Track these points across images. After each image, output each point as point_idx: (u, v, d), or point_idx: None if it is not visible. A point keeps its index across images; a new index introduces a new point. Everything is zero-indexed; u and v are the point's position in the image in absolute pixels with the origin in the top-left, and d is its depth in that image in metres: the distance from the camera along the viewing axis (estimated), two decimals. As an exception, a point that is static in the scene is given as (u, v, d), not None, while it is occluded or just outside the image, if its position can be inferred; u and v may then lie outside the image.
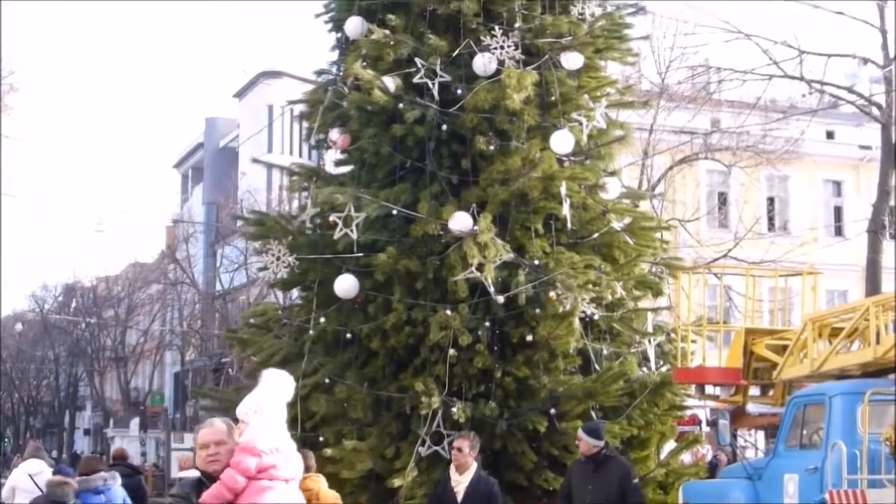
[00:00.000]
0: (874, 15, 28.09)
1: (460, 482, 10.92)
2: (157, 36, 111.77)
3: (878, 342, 13.10)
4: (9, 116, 38.14)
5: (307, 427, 13.33)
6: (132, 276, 64.22)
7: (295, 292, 16.59)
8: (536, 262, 13.31)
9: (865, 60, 29.46)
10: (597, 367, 13.86)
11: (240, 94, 56.82)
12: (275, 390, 6.23)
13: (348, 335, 13.68)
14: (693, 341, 15.65)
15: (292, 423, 12.77)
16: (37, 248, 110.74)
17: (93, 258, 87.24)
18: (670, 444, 15.57)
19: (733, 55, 30.04)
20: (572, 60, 13.85)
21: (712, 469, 20.40)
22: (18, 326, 73.13)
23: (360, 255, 13.43)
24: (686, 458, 17.44)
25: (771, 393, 15.74)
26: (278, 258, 13.90)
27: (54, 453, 67.27)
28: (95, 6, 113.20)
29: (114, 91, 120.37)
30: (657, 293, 15.27)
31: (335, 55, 15.01)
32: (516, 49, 13.53)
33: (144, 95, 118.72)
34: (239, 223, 36.44)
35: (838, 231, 45.17)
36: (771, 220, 42.51)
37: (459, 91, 13.55)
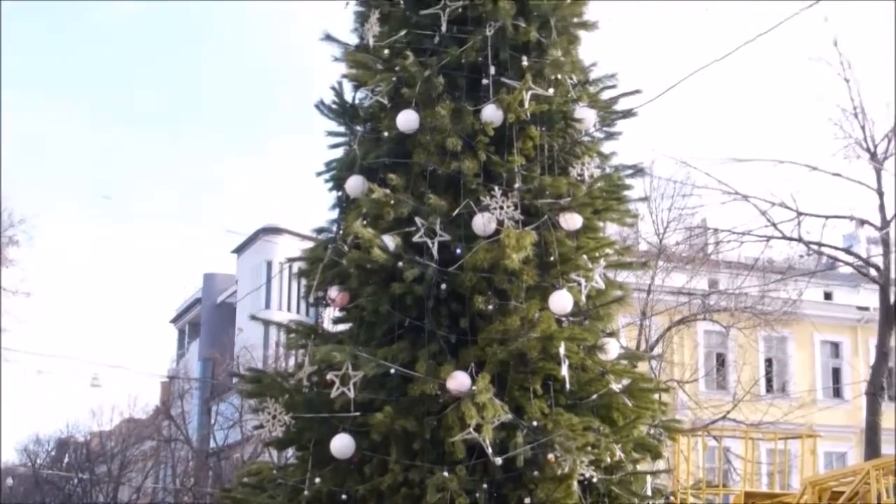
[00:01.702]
0: (871, 177, 28.38)
1: None
2: (157, 189, 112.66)
3: (880, 507, 12.98)
4: (7, 269, 38.31)
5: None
6: (126, 431, 63.86)
7: (290, 451, 16.42)
8: (535, 423, 13.18)
9: (863, 222, 29.68)
10: (596, 530, 13.65)
11: (239, 251, 57.12)
12: None
13: (344, 496, 13.48)
14: (693, 504, 15.51)
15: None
16: (31, 401, 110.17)
17: (87, 413, 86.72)
18: None
19: (731, 216, 30.32)
20: (571, 221, 13.88)
21: None
22: (9, 481, 72.49)
23: (357, 414, 13.31)
24: None
25: (772, 558, 15.55)
26: (274, 416, 13.77)
27: None
28: (94, 158, 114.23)
29: (112, 246, 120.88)
30: (656, 456, 15.11)
31: (335, 213, 15.07)
32: (516, 209, 13.57)
33: (143, 250, 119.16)
34: (235, 380, 36.34)
35: (837, 393, 45.12)
36: (769, 381, 42.49)
37: (459, 250, 13.55)
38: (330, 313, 15.31)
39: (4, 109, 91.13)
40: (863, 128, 28.58)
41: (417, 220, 13.55)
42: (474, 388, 12.78)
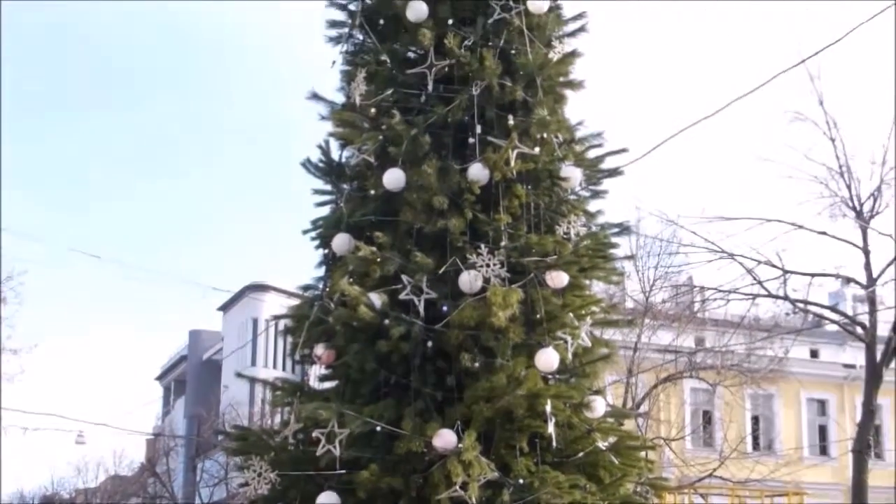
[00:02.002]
0: (857, 235, 28.50)
1: None
2: (144, 245, 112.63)
3: (867, 567, 12.97)
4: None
5: None
6: (111, 488, 63.56)
7: (276, 509, 16.36)
8: (521, 480, 13.15)
9: (848, 280, 29.77)
10: (582, 589, 13.58)
11: (225, 308, 57.01)
12: None
13: (330, 554, 13.42)
14: (680, 563, 15.47)
15: None
16: (15, 458, 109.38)
17: (72, 470, 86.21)
18: None
19: (717, 274, 30.41)
20: (557, 279, 13.89)
21: None
22: (-7, 539, 71.93)
23: (343, 472, 13.26)
24: None
25: None
26: (260, 474, 13.71)
27: None
28: (81, 215, 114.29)
29: (98, 303, 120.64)
30: (643, 514, 15.08)
31: (321, 271, 15.09)
32: (502, 267, 13.58)
33: (129, 307, 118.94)
34: (220, 437, 36.20)
35: (823, 450, 45.12)
36: (756, 439, 42.50)
37: (445, 308, 13.55)
38: (316, 371, 15.29)
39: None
40: (848, 186, 28.75)
41: (404, 277, 13.56)
42: (460, 445, 12.76)
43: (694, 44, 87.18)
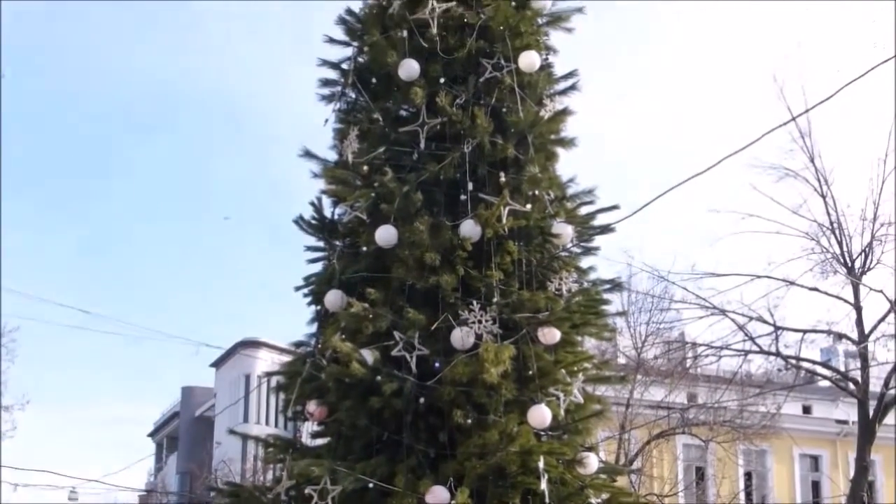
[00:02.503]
0: (848, 291, 28.55)
1: None
2: (136, 301, 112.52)
3: None
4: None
5: None
6: (103, 547, 63.16)
7: (268, 566, 16.29)
8: (514, 537, 13.13)
9: (840, 336, 29.80)
10: None
11: (217, 364, 56.91)
12: None
13: None
14: None
15: None
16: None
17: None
18: None
19: (709, 330, 30.35)
20: (549, 335, 13.90)
21: None
22: None
23: (336, 528, 13.24)
24: None
25: None
26: (252, 531, 13.69)
27: None
28: (73, 271, 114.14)
29: (90, 359, 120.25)
30: (636, 570, 15.03)
31: (314, 327, 15.09)
32: (494, 323, 13.59)
33: (121, 363, 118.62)
34: (213, 494, 36.00)
35: (817, 506, 44.96)
36: (749, 495, 42.36)
37: (437, 364, 13.55)
38: (308, 427, 15.27)
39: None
40: (840, 243, 28.84)
41: (396, 334, 13.57)
42: (453, 502, 12.74)
43: (682, 90, 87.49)
